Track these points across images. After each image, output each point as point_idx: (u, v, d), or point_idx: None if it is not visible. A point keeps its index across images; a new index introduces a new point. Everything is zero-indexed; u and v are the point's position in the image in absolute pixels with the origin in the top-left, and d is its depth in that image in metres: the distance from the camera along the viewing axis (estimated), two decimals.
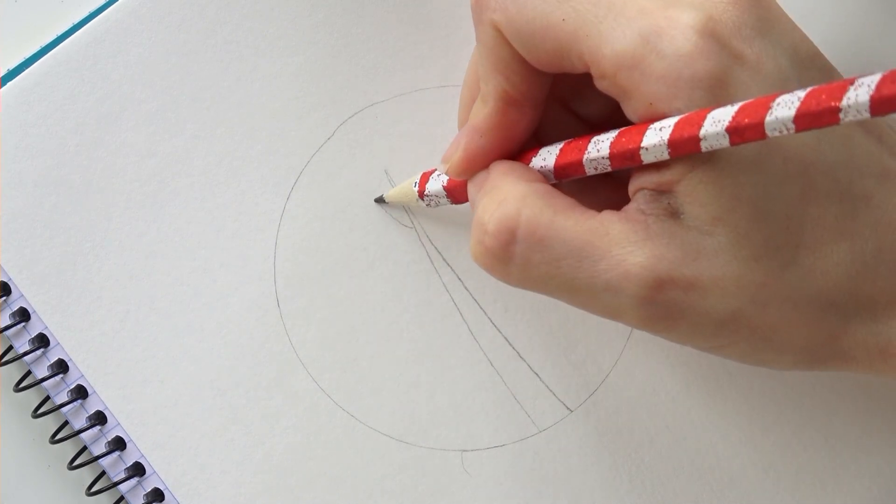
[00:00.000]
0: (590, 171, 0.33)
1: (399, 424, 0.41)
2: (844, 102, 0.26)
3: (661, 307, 0.31)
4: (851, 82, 0.26)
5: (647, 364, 0.42)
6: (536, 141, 0.36)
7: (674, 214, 0.31)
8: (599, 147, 0.32)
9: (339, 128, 0.42)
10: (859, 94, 0.26)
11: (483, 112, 0.35)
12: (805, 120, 0.27)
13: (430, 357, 0.42)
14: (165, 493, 0.41)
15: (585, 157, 0.33)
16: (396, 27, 0.42)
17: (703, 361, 0.41)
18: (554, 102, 0.36)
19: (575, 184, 0.35)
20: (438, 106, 0.42)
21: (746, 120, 0.28)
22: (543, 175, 0.34)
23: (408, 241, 0.42)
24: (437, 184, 0.38)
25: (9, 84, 0.41)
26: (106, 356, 0.41)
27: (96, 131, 0.41)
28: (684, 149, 0.30)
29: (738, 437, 0.41)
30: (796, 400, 0.41)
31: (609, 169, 0.32)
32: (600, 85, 0.32)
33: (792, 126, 0.27)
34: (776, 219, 0.31)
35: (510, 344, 0.41)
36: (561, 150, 0.34)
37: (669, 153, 0.30)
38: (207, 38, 0.41)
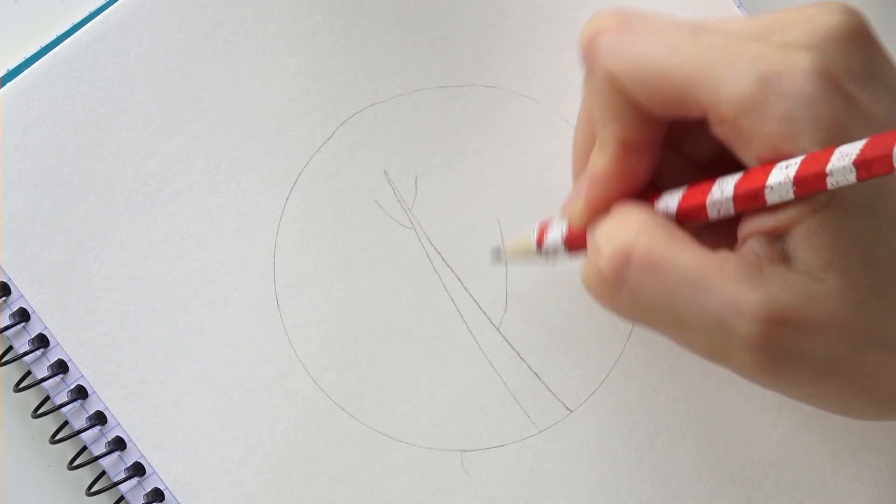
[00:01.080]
0: (712, 214, 0.33)
1: (399, 424, 0.41)
2: None
3: (769, 349, 0.31)
4: None
5: (647, 364, 0.42)
6: (652, 183, 0.36)
7: (785, 259, 0.32)
8: (724, 188, 0.32)
9: (338, 128, 0.42)
10: None
11: (602, 160, 0.34)
12: None
13: (430, 357, 0.42)
14: (165, 493, 0.41)
15: (709, 199, 0.33)
16: (396, 27, 0.42)
17: (703, 361, 0.41)
18: (666, 147, 0.36)
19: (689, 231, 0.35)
20: (438, 106, 0.42)
21: (875, 152, 0.28)
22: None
23: (407, 242, 0.42)
24: (556, 234, 0.37)
25: (9, 84, 0.41)
26: (106, 356, 0.41)
27: (96, 131, 0.41)
28: (810, 186, 0.30)
29: (738, 437, 0.41)
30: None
31: (732, 212, 0.32)
32: (718, 130, 0.32)
33: None
34: (884, 265, 0.31)
35: (510, 344, 0.41)
36: (684, 193, 0.34)
37: (794, 191, 0.30)
38: (207, 39, 0.41)
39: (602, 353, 0.42)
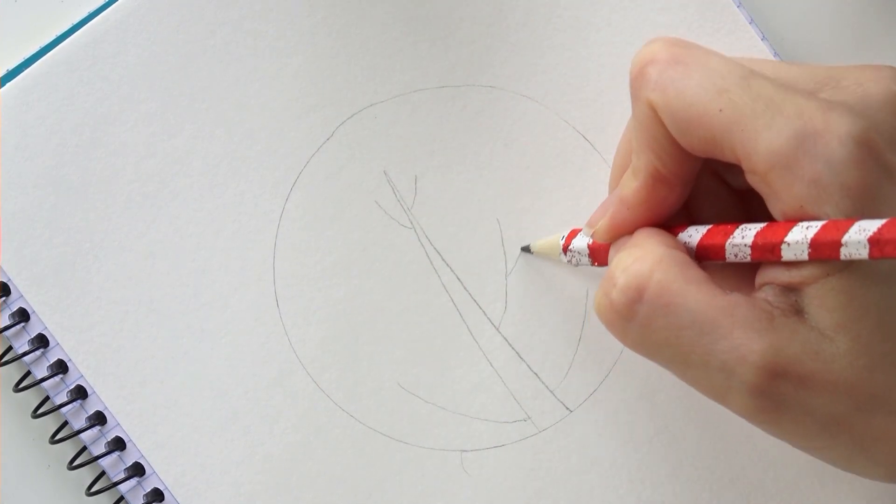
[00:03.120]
0: (730, 256, 0.33)
1: (399, 424, 0.41)
2: None
3: (769, 398, 0.31)
4: None
5: (647, 364, 0.41)
6: (686, 206, 0.36)
7: (798, 312, 0.32)
8: (745, 234, 0.33)
9: (338, 128, 0.42)
10: None
11: (632, 186, 0.35)
12: None
13: (430, 357, 0.42)
14: (165, 493, 0.41)
15: (729, 241, 0.33)
16: (396, 27, 0.42)
17: None
18: (706, 171, 0.36)
19: (708, 269, 0.35)
20: (437, 106, 0.42)
21: (891, 234, 0.28)
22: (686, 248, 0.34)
23: (407, 242, 0.42)
24: (581, 242, 0.38)
25: (8, 84, 0.41)
26: (106, 356, 0.41)
27: (96, 132, 0.41)
28: (824, 252, 0.30)
29: (738, 437, 0.41)
30: None
31: (748, 258, 0.33)
32: (751, 180, 0.32)
33: None
34: None
35: (510, 344, 0.41)
36: (708, 230, 0.34)
37: (809, 253, 0.30)
38: (206, 39, 0.41)
39: (602, 353, 0.42)
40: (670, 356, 0.33)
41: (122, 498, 0.41)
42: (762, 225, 0.32)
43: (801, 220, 0.31)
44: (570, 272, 0.42)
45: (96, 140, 0.41)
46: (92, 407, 0.41)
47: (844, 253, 0.30)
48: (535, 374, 0.41)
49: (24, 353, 0.41)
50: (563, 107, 0.42)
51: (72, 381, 0.41)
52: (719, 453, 0.41)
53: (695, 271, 0.33)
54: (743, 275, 0.34)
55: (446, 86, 0.42)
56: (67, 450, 0.42)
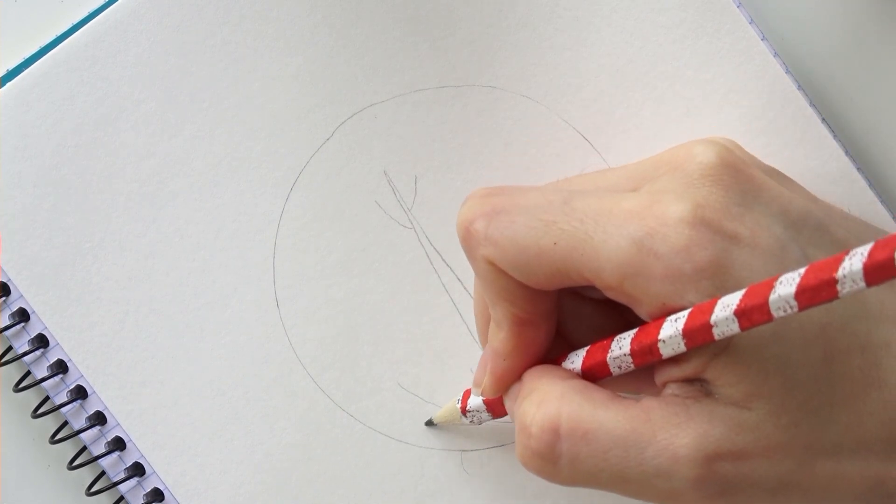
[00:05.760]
0: (615, 370, 0.33)
1: (399, 424, 0.41)
2: (840, 273, 0.26)
3: (714, 484, 0.31)
4: (846, 253, 0.26)
5: None
6: (560, 333, 0.36)
7: (709, 394, 0.32)
8: (622, 344, 0.33)
9: (338, 128, 0.42)
10: (853, 262, 0.26)
11: (500, 337, 0.35)
12: (806, 295, 0.27)
13: (430, 357, 0.41)
14: (165, 493, 0.41)
15: (609, 356, 0.33)
16: (396, 27, 0.42)
17: None
18: (565, 293, 0.36)
19: (609, 382, 0.35)
20: (437, 106, 0.42)
21: (751, 302, 0.28)
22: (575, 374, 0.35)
23: (407, 242, 0.42)
24: (476, 400, 0.38)
25: (8, 84, 0.41)
26: (106, 356, 0.41)
27: (95, 132, 0.41)
28: (698, 338, 0.30)
29: None
30: None
31: (632, 367, 0.33)
32: (609, 294, 0.32)
33: (794, 304, 0.27)
34: (806, 383, 0.31)
35: None
36: (587, 351, 0.34)
37: (686, 343, 0.30)
38: (206, 39, 0.41)
39: None
40: (608, 480, 0.33)
41: (122, 498, 0.41)
42: (634, 331, 0.32)
43: (669, 314, 0.31)
44: None
45: (96, 140, 0.41)
46: (92, 407, 0.41)
47: (717, 333, 0.29)
48: None
49: (24, 353, 0.41)
50: (563, 107, 0.41)
51: (72, 381, 0.41)
52: None
53: (598, 392, 0.33)
54: (644, 379, 0.34)
55: (446, 86, 0.42)
56: (67, 450, 0.42)
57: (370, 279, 0.42)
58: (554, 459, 0.33)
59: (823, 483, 0.32)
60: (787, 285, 0.28)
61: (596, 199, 0.33)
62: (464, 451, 0.41)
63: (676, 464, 0.31)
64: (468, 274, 0.42)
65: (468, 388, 0.39)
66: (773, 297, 0.28)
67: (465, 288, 0.42)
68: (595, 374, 0.34)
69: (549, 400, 0.33)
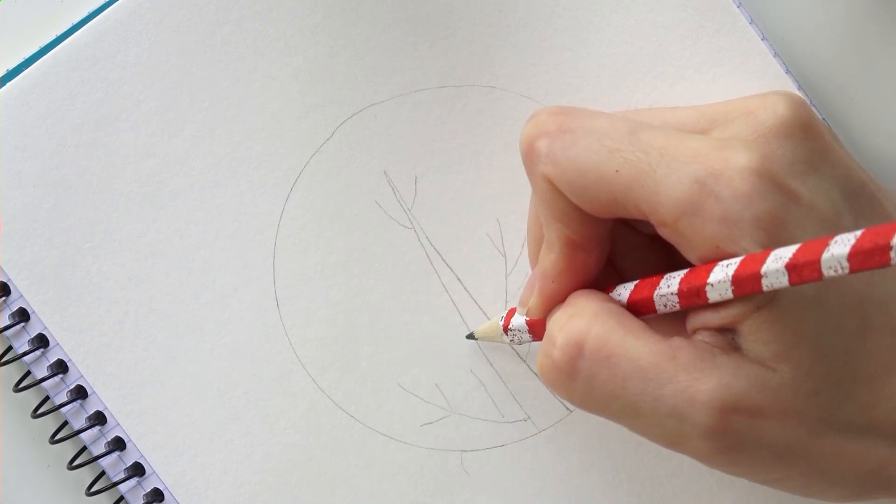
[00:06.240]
0: (660, 308, 0.33)
1: (399, 424, 0.41)
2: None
3: (725, 436, 0.31)
4: None
5: None
6: (611, 264, 0.36)
7: (737, 349, 0.32)
8: (670, 283, 0.33)
9: (338, 128, 0.42)
10: None
11: (550, 258, 0.35)
12: (859, 258, 0.27)
13: (430, 357, 0.42)
14: (165, 493, 0.41)
15: (656, 293, 0.33)
16: (396, 27, 0.42)
17: None
18: (621, 225, 0.36)
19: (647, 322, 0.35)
20: (437, 106, 0.42)
21: (804, 257, 0.28)
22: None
23: (407, 242, 0.42)
24: (519, 320, 0.38)
25: (8, 84, 0.41)
26: (106, 356, 0.41)
27: (95, 132, 0.41)
28: (747, 286, 0.30)
29: None
30: None
31: (678, 307, 0.33)
32: (662, 232, 0.32)
33: (846, 265, 0.27)
34: (836, 354, 0.32)
35: (510, 344, 0.41)
36: (635, 285, 0.34)
37: (733, 290, 0.30)
38: (206, 39, 0.41)
39: None
40: (619, 408, 0.33)
41: (122, 498, 0.41)
42: (685, 271, 0.32)
43: (720, 259, 0.31)
44: None
45: (96, 140, 0.41)
46: (92, 407, 0.41)
47: (766, 284, 0.30)
48: (536, 374, 0.41)
49: (24, 353, 0.41)
50: None
51: (72, 381, 0.41)
52: None
53: (632, 321, 0.33)
54: (678, 324, 0.34)
55: (446, 86, 0.42)
56: (67, 450, 0.42)
57: (370, 279, 0.42)
58: (572, 375, 0.33)
59: (828, 457, 0.32)
60: (841, 245, 0.27)
61: (663, 134, 0.32)
62: (464, 451, 0.41)
63: (693, 408, 0.31)
64: (468, 274, 0.42)
65: (513, 307, 0.39)
66: (825, 255, 0.28)
67: (465, 288, 0.42)
68: (639, 310, 0.34)
69: (582, 315, 0.33)
